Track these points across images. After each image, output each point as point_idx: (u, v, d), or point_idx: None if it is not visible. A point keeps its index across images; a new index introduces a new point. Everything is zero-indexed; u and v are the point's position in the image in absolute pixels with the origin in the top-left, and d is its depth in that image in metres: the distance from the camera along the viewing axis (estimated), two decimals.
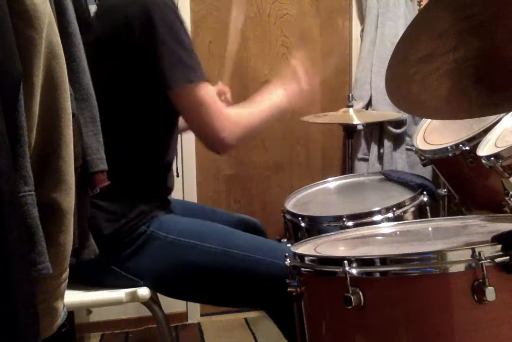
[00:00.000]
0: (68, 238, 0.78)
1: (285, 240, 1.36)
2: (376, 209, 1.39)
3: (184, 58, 1.15)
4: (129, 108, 1.22)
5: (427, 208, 1.46)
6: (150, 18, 1.12)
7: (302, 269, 0.98)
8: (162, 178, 1.32)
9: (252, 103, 1.31)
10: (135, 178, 1.25)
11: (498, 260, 0.83)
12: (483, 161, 1.22)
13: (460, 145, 1.44)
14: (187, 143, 2.25)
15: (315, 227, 1.45)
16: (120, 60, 1.17)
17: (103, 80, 1.16)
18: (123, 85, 1.20)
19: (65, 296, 0.84)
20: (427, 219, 1.39)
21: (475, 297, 0.82)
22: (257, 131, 1.30)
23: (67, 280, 0.82)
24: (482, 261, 0.81)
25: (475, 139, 1.41)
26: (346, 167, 2.18)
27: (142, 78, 1.18)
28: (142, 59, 1.15)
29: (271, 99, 1.34)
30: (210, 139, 1.23)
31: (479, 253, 0.82)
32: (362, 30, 2.42)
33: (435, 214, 1.63)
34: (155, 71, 1.15)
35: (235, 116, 1.23)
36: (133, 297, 1.21)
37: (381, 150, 2.42)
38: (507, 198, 1.20)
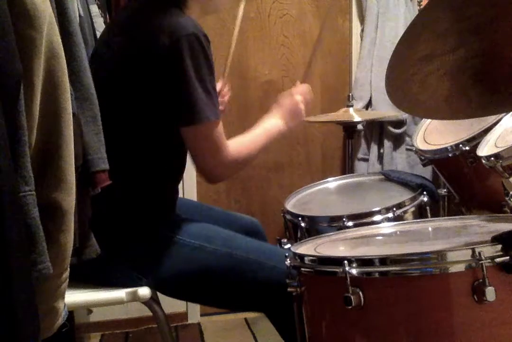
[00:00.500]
0: (69, 238, 0.78)
1: (285, 240, 1.36)
2: (376, 209, 1.39)
3: (204, 96, 1.17)
4: (139, 116, 1.23)
5: (427, 208, 1.46)
6: (179, 50, 1.13)
7: (302, 269, 0.98)
8: (171, 179, 1.32)
9: (251, 135, 1.35)
10: (142, 178, 1.26)
11: (498, 260, 0.83)
12: (483, 161, 1.23)
13: (460, 145, 1.44)
14: None
15: (315, 227, 1.45)
16: (141, 79, 1.18)
17: (119, 93, 1.19)
18: (138, 99, 1.21)
19: (65, 296, 0.84)
20: (427, 219, 1.39)
21: (475, 297, 0.82)
22: (251, 162, 1.35)
23: (67, 280, 0.82)
24: (482, 261, 0.81)
25: (475, 140, 1.41)
26: (346, 167, 2.18)
27: (158, 101, 1.19)
28: (164, 85, 1.16)
29: (269, 129, 1.38)
30: (208, 172, 1.27)
31: (479, 253, 0.82)
32: (362, 30, 2.42)
33: (435, 214, 1.62)
34: (174, 101, 1.17)
35: (236, 153, 1.27)
36: (134, 297, 1.21)
37: (381, 150, 2.42)
38: (507, 198, 1.20)
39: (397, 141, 2.42)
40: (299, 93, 1.47)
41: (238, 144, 1.29)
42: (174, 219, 1.29)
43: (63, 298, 0.83)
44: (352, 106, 1.91)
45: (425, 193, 1.48)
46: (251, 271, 1.22)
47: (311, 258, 0.97)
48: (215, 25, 2.32)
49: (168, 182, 1.32)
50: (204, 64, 1.17)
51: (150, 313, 1.28)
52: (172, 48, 1.13)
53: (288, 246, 1.25)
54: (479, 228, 1.11)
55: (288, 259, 1.03)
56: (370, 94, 2.37)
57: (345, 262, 0.87)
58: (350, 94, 1.94)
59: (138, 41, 1.18)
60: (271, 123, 1.39)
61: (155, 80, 1.17)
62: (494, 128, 1.37)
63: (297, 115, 1.44)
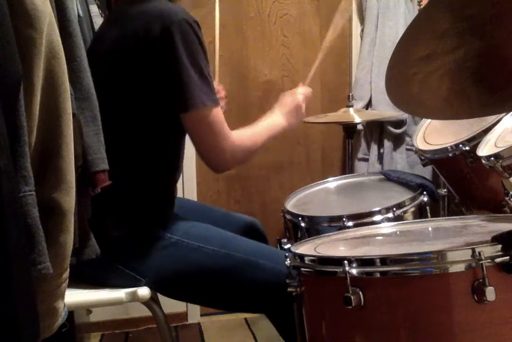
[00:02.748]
0: (69, 238, 0.78)
1: (285, 240, 1.36)
2: (376, 209, 1.39)
3: (200, 82, 1.17)
4: (138, 111, 1.22)
5: (427, 208, 1.46)
6: (170, 34, 1.13)
7: (302, 269, 0.98)
8: (169, 179, 1.32)
9: (254, 128, 1.36)
10: (141, 178, 1.26)
11: (498, 260, 0.83)
12: (483, 161, 1.22)
13: (460, 145, 1.44)
14: (187, 144, 2.25)
15: (315, 227, 1.45)
16: (136, 71, 1.18)
17: (116, 85, 1.18)
18: (135, 92, 1.21)
19: (65, 296, 0.84)
20: (427, 219, 1.39)
21: (475, 297, 0.82)
22: (255, 154, 1.35)
23: (67, 280, 0.82)
24: (482, 261, 0.81)
25: (475, 139, 1.41)
26: (346, 167, 2.18)
27: (155, 90, 1.19)
28: (159, 74, 1.16)
29: (271, 124, 1.39)
30: (213, 160, 1.26)
31: (479, 253, 0.82)
32: (362, 30, 2.42)
33: (435, 214, 1.63)
34: (170, 89, 1.17)
35: (238, 139, 1.27)
36: (134, 297, 1.21)
37: (381, 150, 2.42)
38: (507, 198, 1.20)
39: (397, 141, 2.42)
40: (301, 93, 1.48)
41: (242, 134, 1.29)
42: (172, 219, 1.29)
43: (63, 298, 0.83)
44: (352, 106, 1.91)
45: (425, 193, 1.48)
46: (250, 273, 1.22)
47: (311, 258, 0.97)
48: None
49: (166, 182, 1.32)
50: (197, 49, 1.16)
51: (150, 313, 1.28)
52: (164, 34, 1.13)
53: (288, 246, 1.24)
54: (479, 228, 1.11)
55: (288, 259, 1.02)
56: (370, 94, 2.37)
57: (345, 262, 0.87)
58: (350, 94, 1.94)
59: (130, 31, 1.18)
60: (273, 120, 1.41)
61: (150, 68, 1.16)
62: (494, 128, 1.37)
63: (298, 114, 1.46)
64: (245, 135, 1.30)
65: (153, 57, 1.15)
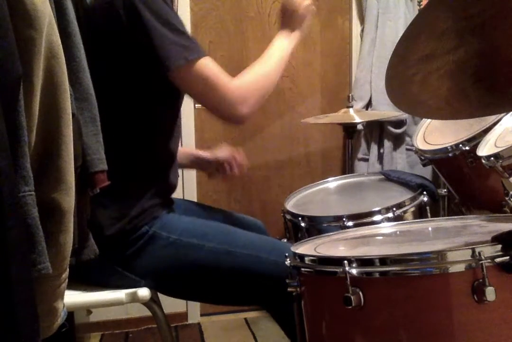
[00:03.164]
0: (68, 238, 0.78)
1: (285, 240, 1.36)
2: (376, 209, 1.40)
3: (175, 38, 1.13)
4: (129, 106, 1.22)
5: (427, 208, 1.46)
6: (132, 3, 1.11)
7: (302, 269, 0.98)
8: (164, 177, 1.32)
9: (258, 61, 1.30)
10: (136, 177, 1.26)
11: (498, 260, 0.83)
12: (483, 161, 1.22)
13: (460, 145, 1.44)
14: (187, 144, 2.25)
15: (315, 227, 1.45)
16: (114, 53, 1.17)
17: (103, 78, 1.16)
18: (121, 78, 1.19)
19: (65, 296, 0.84)
20: (427, 219, 1.39)
21: (475, 297, 0.82)
22: (271, 90, 1.28)
23: (67, 280, 0.82)
24: (482, 261, 0.81)
25: (475, 139, 1.41)
26: (346, 167, 2.18)
27: (139, 68, 1.17)
28: (135, 47, 1.14)
29: (277, 49, 1.34)
30: (226, 113, 1.21)
31: (479, 253, 0.82)
32: (362, 30, 2.42)
33: (435, 214, 1.63)
34: (150, 56, 1.14)
35: (244, 85, 1.22)
36: (134, 298, 1.21)
37: (381, 150, 2.42)
38: (507, 198, 1.20)
39: (397, 141, 2.43)
40: None
41: (245, 75, 1.24)
42: (169, 218, 1.28)
43: (63, 298, 0.83)
44: (352, 106, 1.91)
45: (425, 193, 1.48)
46: (251, 267, 1.22)
47: (311, 258, 0.97)
48: (215, 25, 2.32)
49: (162, 180, 1.31)
50: (163, 7, 1.14)
51: (150, 313, 1.28)
52: (125, 4, 1.12)
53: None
54: (479, 228, 1.11)
55: (288, 259, 1.02)
56: (370, 94, 2.37)
57: (345, 262, 0.87)
58: (350, 94, 1.94)
59: (97, 15, 1.16)
60: (277, 41, 1.37)
61: (126, 44, 1.15)
62: (494, 128, 1.37)
63: (300, 17, 1.40)
64: (249, 75, 1.25)
65: (123, 30, 1.13)
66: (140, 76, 1.19)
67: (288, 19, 1.40)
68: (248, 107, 1.21)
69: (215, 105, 1.20)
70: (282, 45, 1.37)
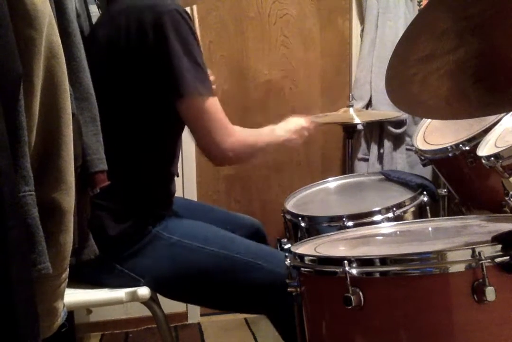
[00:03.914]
0: (68, 238, 0.78)
1: (285, 240, 1.36)
2: (376, 209, 1.39)
3: (194, 71, 1.17)
4: (130, 106, 1.22)
5: (427, 208, 1.46)
6: (162, 26, 1.14)
7: (302, 269, 0.98)
8: (167, 178, 1.32)
9: (256, 130, 1.35)
10: (138, 178, 1.26)
11: (498, 260, 0.83)
12: (483, 161, 1.22)
13: (460, 145, 1.44)
14: (187, 144, 2.25)
15: (315, 227, 1.45)
16: (130, 64, 1.18)
17: (110, 81, 1.17)
18: (130, 87, 1.21)
19: (65, 296, 0.84)
20: (427, 219, 1.39)
21: (475, 297, 0.82)
22: (257, 153, 1.33)
23: (67, 280, 0.82)
24: (482, 261, 0.81)
25: (475, 139, 1.41)
26: (346, 167, 2.18)
27: (150, 83, 1.19)
28: (153, 67, 1.17)
29: (273, 131, 1.39)
30: (211, 150, 1.25)
31: (479, 253, 0.82)
32: (362, 30, 2.42)
33: (435, 214, 1.62)
34: (165, 79, 1.17)
35: (239, 132, 1.26)
36: (133, 297, 1.21)
37: (381, 150, 2.42)
38: (507, 198, 1.20)
39: (397, 141, 2.42)
40: (306, 122, 1.48)
41: (243, 129, 1.29)
42: (171, 219, 1.29)
43: (63, 298, 0.83)
44: (352, 106, 1.91)
45: (425, 193, 1.48)
46: (249, 274, 1.22)
47: (311, 258, 0.97)
48: (215, 25, 2.32)
49: (163, 181, 1.31)
50: (190, 37, 1.17)
51: (150, 313, 1.28)
52: (155, 25, 1.14)
53: (288, 246, 1.24)
54: (479, 228, 1.11)
55: (288, 259, 1.02)
56: (370, 94, 2.37)
57: (345, 262, 0.87)
58: (351, 94, 1.94)
59: (123, 26, 1.18)
60: (275, 129, 1.40)
61: (145, 61, 1.16)
62: (494, 128, 1.37)
63: (300, 132, 1.45)
64: (246, 131, 1.29)
65: (146, 49, 1.15)
66: (149, 90, 1.21)
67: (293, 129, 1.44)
68: (232, 152, 1.25)
69: (206, 139, 1.23)
70: (280, 135, 1.40)
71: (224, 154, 1.24)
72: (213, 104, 1.20)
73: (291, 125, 1.43)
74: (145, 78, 1.18)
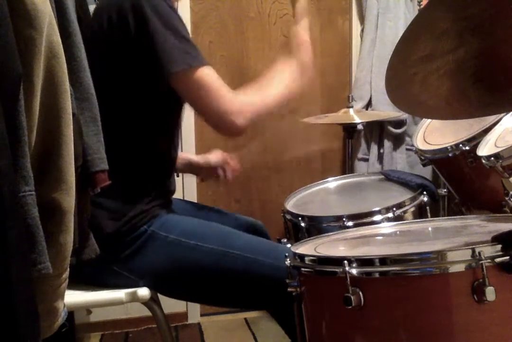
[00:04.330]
0: (69, 238, 0.78)
1: (285, 240, 1.36)
2: (376, 209, 1.39)
3: (180, 44, 1.15)
4: (131, 106, 1.22)
5: (427, 208, 1.46)
6: (140, 7, 1.13)
7: (302, 269, 0.98)
8: (165, 177, 1.32)
9: (262, 82, 1.29)
10: (136, 177, 1.26)
11: (498, 260, 0.83)
12: (483, 161, 1.23)
13: (460, 145, 1.44)
14: (187, 144, 2.25)
15: (315, 227, 1.45)
16: (118, 55, 1.18)
17: (104, 78, 1.17)
18: (123, 81, 1.20)
19: (65, 296, 0.84)
20: (427, 219, 1.39)
21: (475, 297, 0.82)
22: (270, 109, 1.26)
23: (67, 280, 0.82)
24: (482, 261, 0.81)
25: (475, 139, 1.41)
26: (346, 167, 2.18)
27: (142, 71, 1.18)
28: (140, 50, 1.15)
29: (281, 75, 1.32)
30: (218, 123, 1.21)
31: (479, 253, 0.82)
32: (362, 30, 2.42)
33: (435, 214, 1.63)
34: (153, 60, 1.15)
35: (242, 97, 1.21)
36: (133, 297, 1.21)
37: (381, 150, 2.42)
38: (507, 198, 1.20)
39: (397, 141, 2.43)
40: (303, 30, 1.41)
41: (249, 91, 1.25)
42: (168, 218, 1.28)
43: (63, 298, 0.83)
44: (352, 107, 1.91)
45: (425, 193, 1.48)
46: (249, 269, 1.22)
47: (311, 258, 0.97)
48: (215, 25, 2.32)
49: (161, 180, 1.31)
50: (170, 13, 1.15)
51: (150, 313, 1.28)
52: (133, 8, 1.13)
53: (288, 246, 1.24)
54: (479, 228, 1.11)
55: (288, 259, 1.02)
56: (370, 94, 2.37)
57: (345, 262, 0.87)
58: (351, 95, 1.94)
59: (104, 18, 1.17)
60: (279, 65, 1.35)
61: (131, 47, 1.16)
62: (494, 128, 1.37)
63: (305, 49, 1.39)
64: (251, 92, 1.25)
65: (129, 33, 1.14)
66: (142, 79, 1.19)
67: (291, 48, 1.39)
68: (242, 120, 1.19)
69: (211, 113, 1.19)
70: (283, 68, 1.35)
71: (233, 124, 1.18)
72: (207, 74, 1.17)
73: (290, 46, 1.37)
74: (136, 65, 1.17)
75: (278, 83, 1.29)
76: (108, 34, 1.17)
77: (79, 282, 1.23)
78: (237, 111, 1.18)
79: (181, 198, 2.16)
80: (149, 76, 1.18)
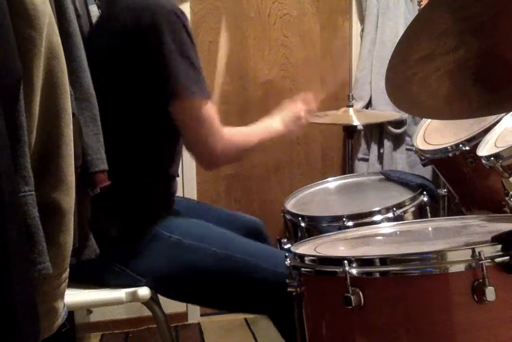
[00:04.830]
0: (68, 238, 0.78)
1: (285, 240, 1.36)
2: (376, 209, 1.39)
3: (191, 73, 1.16)
4: (131, 106, 1.22)
5: (427, 208, 1.46)
6: (159, 27, 1.13)
7: (302, 269, 0.98)
8: (167, 178, 1.32)
9: (249, 127, 1.35)
10: (139, 178, 1.26)
11: (498, 260, 0.83)
12: (483, 161, 1.23)
13: (460, 145, 1.44)
14: None
15: (315, 227, 1.45)
16: (128, 65, 1.18)
17: (106, 82, 1.17)
18: (126, 85, 1.20)
19: (65, 296, 0.84)
20: (427, 219, 1.39)
21: (475, 297, 0.82)
22: (248, 153, 1.34)
23: (67, 280, 0.82)
24: (482, 261, 0.81)
25: (475, 139, 1.41)
26: (346, 167, 2.18)
27: (147, 84, 1.18)
28: (150, 66, 1.16)
29: (268, 126, 1.38)
30: (202, 155, 1.26)
31: (479, 253, 0.82)
32: (362, 30, 2.42)
33: (435, 214, 1.63)
34: (161, 79, 1.16)
35: (231, 137, 1.26)
36: (134, 297, 1.21)
37: (381, 150, 2.42)
38: (507, 198, 1.20)
39: (397, 141, 2.42)
40: (303, 102, 1.46)
41: (234, 132, 1.28)
42: (172, 219, 1.29)
43: (63, 298, 0.83)
44: (352, 106, 1.91)
45: (425, 193, 1.48)
46: (249, 274, 1.22)
47: (311, 258, 0.97)
48: (215, 25, 2.32)
49: (164, 180, 1.31)
50: (186, 39, 1.16)
51: (150, 313, 1.28)
52: (152, 26, 1.13)
53: (288, 246, 1.24)
54: (479, 228, 1.11)
55: (288, 259, 1.02)
56: (370, 94, 2.37)
57: (345, 262, 0.87)
58: (350, 94, 1.94)
59: (120, 27, 1.17)
60: (270, 122, 1.40)
61: (141, 62, 1.16)
62: (494, 128, 1.37)
63: (297, 121, 1.43)
64: (238, 133, 1.29)
65: (143, 50, 1.15)
66: (144, 87, 1.20)
67: (290, 116, 1.43)
68: (224, 158, 1.26)
69: (198, 143, 1.23)
70: (276, 127, 1.39)
71: (215, 159, 1.25)
72: (208, 110, 1.19)
73: (288, 116, 1.42)
74: (142, 79, 1.18)
75: (265, 134, 1.36)
76: (122, 45, 1.17)
77: (79, 282, 1.23)
78: (223, 149, 1.23)
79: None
80: (153, 88, 1.18)
